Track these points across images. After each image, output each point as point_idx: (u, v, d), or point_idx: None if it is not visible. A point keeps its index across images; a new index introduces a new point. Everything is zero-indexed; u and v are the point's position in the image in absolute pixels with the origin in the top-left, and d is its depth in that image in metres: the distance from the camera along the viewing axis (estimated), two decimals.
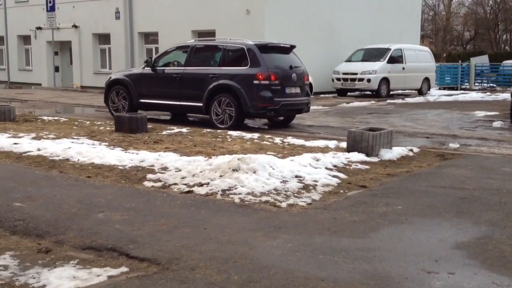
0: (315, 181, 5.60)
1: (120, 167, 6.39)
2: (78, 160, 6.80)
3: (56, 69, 26.71)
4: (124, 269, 3.28)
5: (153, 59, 12.75)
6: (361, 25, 23.76)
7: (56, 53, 26.57)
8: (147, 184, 5.60)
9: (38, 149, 7.38)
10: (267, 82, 10.87)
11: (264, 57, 11.06)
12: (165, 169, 6.21)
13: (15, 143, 7.76)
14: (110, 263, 3.37)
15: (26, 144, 7.73)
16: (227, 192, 5.17)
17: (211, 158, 6.54)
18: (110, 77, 13.46)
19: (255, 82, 10.85)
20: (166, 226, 4.12)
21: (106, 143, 8.25)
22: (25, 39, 28.40)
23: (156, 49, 23.66)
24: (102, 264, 3.35)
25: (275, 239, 3.81)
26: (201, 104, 11.39)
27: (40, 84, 26.79)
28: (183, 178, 5.72)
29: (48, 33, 25.35)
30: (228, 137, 9.09)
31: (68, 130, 9.96)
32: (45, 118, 12.11)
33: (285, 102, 11.12)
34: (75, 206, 4.66)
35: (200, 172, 5.79)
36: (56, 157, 6.97)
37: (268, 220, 4.29)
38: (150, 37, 24.03)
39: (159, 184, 5.58)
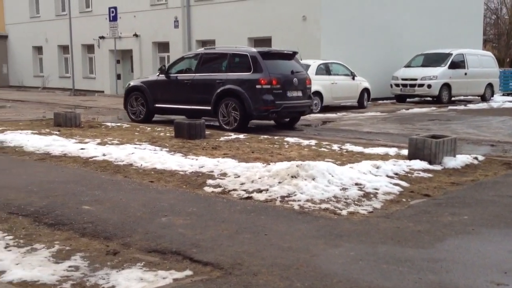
0: (375, 189, 5.52)
1: (181, 173, 6.53)
2: (141, 165, 6.99)
3: (118, 76, 27.60)
4: (188, 272, 3.34)
5: (166, 67, 13.64)
6: (421, 30, 23.24)
7: (118, 61, 27.46)
8: (207, 189, 5.70)
9: (104, 154, 7.65)
10: (268, 86, 11.65)
11: (267, 63, 11.86)
12: (224, 175, 6.29)
13: (82, 148, 8.07)
14: (174, 266, 3.45)
15: (92, 149, 8.03)
16: (286, 198, 5.18)
17: (269, 164, 6.57)
18: (129, 84, 14.47)
19: (258, 86, 11.64)
20: (227, 231, 4.18)
21: (167, 149, 8.44)
22: (89, 48, 29.52)
23: None
24: (167, 267, 3.43)
25: (337, 247, 3.79)
26: (209, 108, 12.23)
27: (103, 91, 27.76)
28: (242, 184, 5.78)
29: (111, 42, 26.24)
30: (285, 143, 9.10)
31: (131, 136, 10.27)
32: (109, 124, 12.54)
33: (287, 105, 11.90)
34: (140, 209, 4.80)
35: (259, 178, 5.82)
36: (121, 162, 7.20)
37: (329, 227, 4.27)
38: (207, 45, 24.44)
39: (219, 189, 5.66)
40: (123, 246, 3.85)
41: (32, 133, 10.20)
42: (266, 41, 21.75)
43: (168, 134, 10.53)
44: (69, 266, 3.42)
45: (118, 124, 12.56)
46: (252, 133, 10.51)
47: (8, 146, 8.50)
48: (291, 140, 9.40)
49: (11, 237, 3.97)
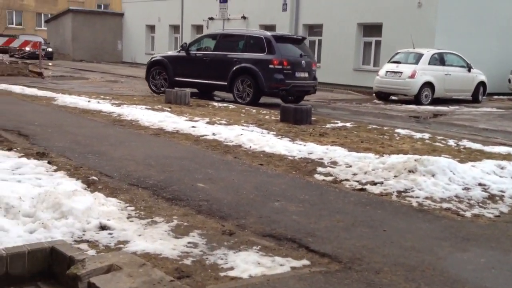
0: (501, 191, 5.10)
1: (290, 158, 6.45)
2: (250, 147, 7.01)
3: None
4: (305, 262, 3.25)
5: (187, 44, 14.89)
6: None
7: None
8: (318, 177, 5.57)
9: (213, 134, 7.77)
10: (280, 66, 13.07)
11: (279, 46, 13.32)
12: (334, 163, 6.13)
13: (193, 126, 8.26)
14: (291, 254, 3.38)
15: (203, 128, 8.19)
16: (403, 194, 4.93)
17: (382, 156, 6.31)
18: (152, 58, 15.64)
19: (271, 66, 13.10)
20: (342, 223, 4.04)
21: (274, 133, 8.42)
22: (198, 29, 30.34)
23: (319, 41, 23.74)
24: (283, 254, 3.37)
25: (464, 251, 3.52)
26: (225, 83, 13.66)
27: None
28: (354, 174, 5.59)
29: (219, 23, 26.73)
30: (396, 135, 8.74)
31: (237, 117, 10.38)
32: (215, 104, 12.78)
33: (295, 84, 13.38)
34: (252, 192, 4.78)
35: (373, 170, 5.60)
36: (230, 142, 7.27)
37: (454, 229, 3.98)
38: (314, 29, 24.17)
39: (330, 178, 5.52)
40: (238, 227, 3.84)
41: (146, 108, 10.64)
42: (376, 28, 21.12)
43: (273, 118, 10.52)
44: (188, 243, 3.45)
45: (225, 104, 12.76)
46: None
47: (125, 119, 8.90)
48: (402, 131, 9.00)
49: (132, 208, 4.10)
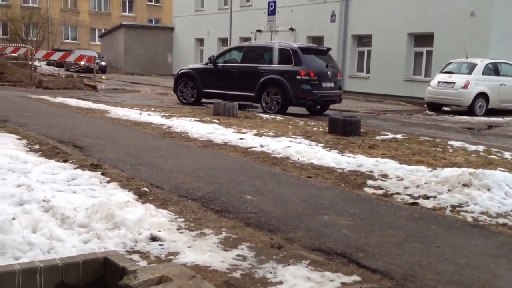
0: None
1: (339, 170, 6.38)
2: (298, 159, 6.98)
3: None
4: (356, 278, 3.19)
5: (215, 57, 15.28)
6: None
7: None
8: (368, 190, 5.48)
9: (261, 146, 7.78)
10: (307, 77, 13.57)
11: (306, 58, 13.83)
12: (385, 176, 6.01)
13: (241, 138, 8.31)
14: (341, 269, 3.32)
15: (250, 140, 8.22)
16: (457, 208, 4.78)
17: (435, 169, 6.14)
18: (180, 70, 16.17)
19: (298, 77, 13.55)
20: (394, 238, 3.94)
21: (322, 144, 8.35)
22: (246, 41, 30.61)
23: (369, 51, 23.49)
24: (333, 269, 3.32)
25: None
26: (253, 94, 14.14)
27: None
28: (406, 188, 5.47)
29: (267, 35, 26.89)
30: (449, 147, 8.50)
31: (285, 129, 10.36)
32: (263, 116, 12.82)
33: (322, 94, 13.91)
34: (300, 205, 4.75)
35: (425, 183, 5.46)
36: (278, 154, 7.26)
37: (511, 246, 3.82)
38: (363, 40, 23.95)
39: (380, 191, 5.42)
40: (287, 241, 3.82)
41: (195, 120, 10.79)
42: (428, 38, 20.72)
43: (321, 129, 10.45)
44: (237, 255, 3.46)
45: (272, 116, 12.78)
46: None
47: (175, 131, 9.05)
48: (455, 143, 8.75)
49: (182, 219, 4.15)
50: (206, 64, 15.61)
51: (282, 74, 13.80)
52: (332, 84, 14.30)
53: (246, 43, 15.96)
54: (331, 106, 15.28)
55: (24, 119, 9.46)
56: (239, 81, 14.50)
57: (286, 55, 13.99)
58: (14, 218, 3.35)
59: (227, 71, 14.93)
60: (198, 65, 16.62)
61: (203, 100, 15.72)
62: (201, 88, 15.24)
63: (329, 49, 15.19)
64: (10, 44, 25.89)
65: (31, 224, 3.45)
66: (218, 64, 15.09)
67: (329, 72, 14.13)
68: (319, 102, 14.26)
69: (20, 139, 7.15)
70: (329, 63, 14.48)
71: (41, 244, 3.24)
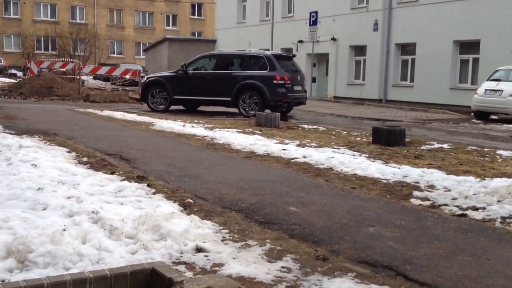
0: None
1: (383, 181, 6.29)
2: (342, 170, 6.92)
3: (313, 80, 28.20)
4: None
5: (186, 64, 16.05)
6: None
7: (314, 65, 28.07)
8: (414, 201, 5.38)
9: (304, 156, 7.76)
10: (282, 82, 14.87)
11: (279, 64, 15.14)
12: (432, 187, 5.89)
13: (283, 149, 8.30)
14: (388, 282, 3.26)
15: (293, 150, 8.21)
16: (507, 220, 4.63)
17: (484, 179, 5.97)
18: (148, 78, 16.94)
19: (274, 82, 14.84)
20: (442, 251, 3.85)
21: (366, 155, 8.25)
22: (287, 52, 30.67)
23: (413, 60, 23.13)
24: (380, 282, 3.26)
25: None
26: (229, 99, 15.24)
27: None
28: (454, 199, 5.34)
29: (309, 46, 26.91)
30: (498, 157, 8.25)
31: (327, 139, 10.31)
32: (305, 126, 12.79)
33: (294, 96, 15.29)
34: (345, 216, 4.70)
35: (474, 194, 5.32)
36: (321, 165, 7.22)
37: None
38: (406, 48, 23.61)
39: (427, 203, 5.30)
40: (332, 253, 3.78)
41: (237, 131, 10.86)
42: (474, 45, 20.26)
43: (364, 140, 10.34)
44: (282, 267, 3.45)
45: (315, 127, 12.74)
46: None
47: (218, 143, 9.13)
48: (504, 153, 8.49)
49: (226, 230, 4.17)
50: (177, 71, 16.32)
51: (259, 79, 14.95)
52: (300, 87, 15.80)
53: (216, 51, 17.05)
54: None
55: (72, 132, 9.76)
56: (213, 87, 15.39)
57: (261, 62, 15.25)
58: (64, 230, 3.45)
59: (201, 78, 15.77)
60: (167, 73, 17.30)
61: (172, 107, 16.47)
62: (173, 95, 15.92)
63: (294, 55, 17.02)
64: (59, 59, 26.84)
65: (80, 235, 3.54)
66: (190, 72, 15.88)
67: (298, 77, 15.76)
68: (292, 104, 15.68)
69: (69, 152, 7.38)
70: (296, 68, 16.13)
71: (90, 255, 3.32)
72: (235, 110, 15.81)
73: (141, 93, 17.14)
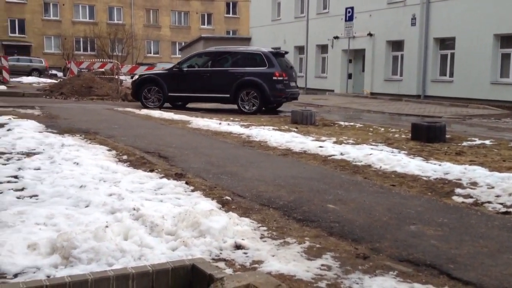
0: None
1: (424, 178, 6.16)
2: (380, 167, 6.82)
3: (349, 76, 27.92)
4: None
5: (181, 62, 16.24)
6: None
7: (350, 61, 27.79)
8: (456, 199, 5.25)
9: (341, 154, 7.68)
10: (281, 78, 15.14)
11: (277, 60, 15.32)
12: (474, 184, 5.73)
13: (320, 146, 8.24)
14: (431, 281, 3.19)
15: (330, 148, 8.14)
16: None
17: None
18: (140, 76, 16.67)
19: (274, 78, 15.03)
20: (487, 249, 3.74)
21: (405, 152, 8.12)
22: (323, 48, 30.48)
23: (452, 54, 22.63)
24: (423, 281, 3.20)
25: None
26: (228, 95, 15.29)
27: (333, 90, 28.41)
28: (497, 196, 5.19)
29: (344, 42, 26.65)
30: None
31: (365, 136, 10.19)
32: (342, 123, 12.68)
33: (290, 92, 15.69)
34: (385, 214, 4.63)
35: None
36: (359, 162, 7.14)
37: None
38: (445, 43, 23.10)
39: (470, 200, 5.17)
40: (372, 251, 3.73)
41: (273, 129, 10.85)
42: None
43: (403, 136, 10.18)
44: (322, 265, 3.42)
45: (351, 123, 12.61)
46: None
47: (254, 140, 9.14)
48: None
49: (264, 228, 4.17)
50: (171, 69, 16.36)
51: (258, 76, 15.10)
52: (294, 83, 16.23)
53: (212, 48, 16.85)
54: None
55: (112, 131, 9.94)
56: (211, 84, 15.41)
57: (259, 59, 15.39)
58: (107, 226, 3.51)
59: (197, 75, 15.74)
60: (161, 71, 17.28)
61: (166, 104, 16.46)
62: (167, 92, 15.89)
63: (286, 52, 17.18)
64: (98, 60, 27.37)
65: (122, 232, 3.60)
66: (186, 69, 15.87)
67: (293, 73, 16.32)
68: (288, 99, 16.02)
69: (109, 150, 7.52)
70: (290, 65, 16.57)
71: (132, 251, 3.37)
72: (233, 106, 15.82)
73: (133, 90, 16.80)
